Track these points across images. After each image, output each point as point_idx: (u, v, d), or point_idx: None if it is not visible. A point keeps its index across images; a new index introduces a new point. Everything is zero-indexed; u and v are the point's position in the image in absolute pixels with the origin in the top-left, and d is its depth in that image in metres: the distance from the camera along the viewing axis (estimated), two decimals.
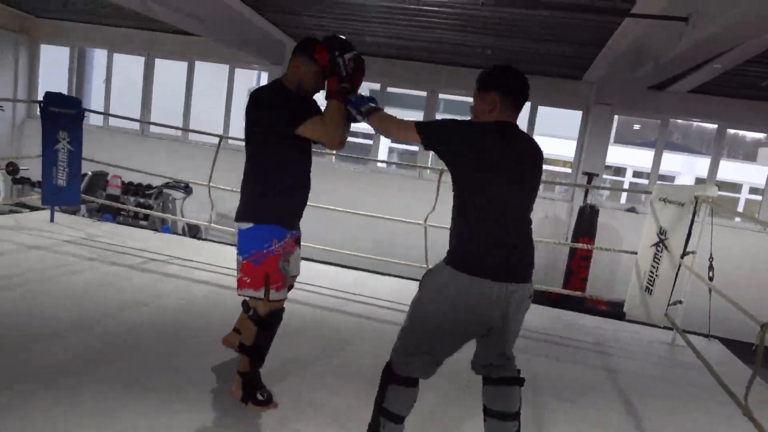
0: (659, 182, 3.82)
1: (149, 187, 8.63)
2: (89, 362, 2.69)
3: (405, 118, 2.12)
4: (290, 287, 2.63)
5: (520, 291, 1.94)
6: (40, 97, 4.82)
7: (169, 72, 9.54)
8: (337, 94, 2.26)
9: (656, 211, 3.83)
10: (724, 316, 4.33)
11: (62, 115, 4.79)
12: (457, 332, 1.98)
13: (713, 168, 7.83)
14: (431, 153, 2.35)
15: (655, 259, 3.77)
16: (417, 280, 2.17)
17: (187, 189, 8.40)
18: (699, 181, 13.45)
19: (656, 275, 3.75)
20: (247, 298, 2.55)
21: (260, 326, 2.47)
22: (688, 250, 3.65)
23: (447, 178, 2.25)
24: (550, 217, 8.25)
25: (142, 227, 7.03)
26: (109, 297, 3.62)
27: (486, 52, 7.07)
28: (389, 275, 5.23)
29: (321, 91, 2.44)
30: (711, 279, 3.67)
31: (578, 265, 7.60)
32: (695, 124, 9.31)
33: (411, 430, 2.21)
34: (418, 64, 8.33)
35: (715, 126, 8.03)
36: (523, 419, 2.13)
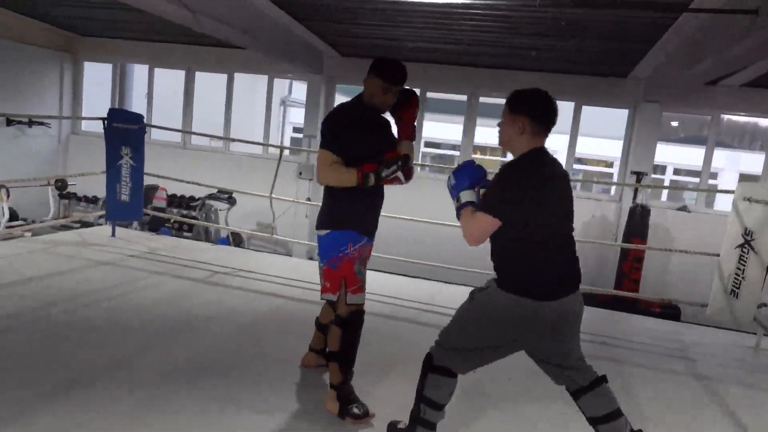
0: (741, 182, 3.68)
1: (192, 198, 8.72)
2: (179, 377, 2.69)
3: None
4: None
5: (575, 298, 2.05)
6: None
7: (205, 84, 9.64)
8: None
9: (740, 212, 3.69)
10: None
11: (125, 131, 4.85)
12: (510, 349, 2.09)
13: None
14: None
15: (741, 261, 3.63)
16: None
17: (230, 200, 8.45)
18: (744, 177, 13.02)
19: (742, 278, 3.61)
20: (328, 302, 2.61)
21: (343, 327, 2.49)
22: None
23: None
24: (597, 218, 8.07)
25: (186, 238, 7.08)
26: (184, 311, 3.63)
27: (531, 53, 6.96)
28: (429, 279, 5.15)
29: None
30: None
31: (630, 266, 7.41)
32: (726, 117, 8.90)
33: None
34: (458, 68, 8.24)
35: None
36: None
